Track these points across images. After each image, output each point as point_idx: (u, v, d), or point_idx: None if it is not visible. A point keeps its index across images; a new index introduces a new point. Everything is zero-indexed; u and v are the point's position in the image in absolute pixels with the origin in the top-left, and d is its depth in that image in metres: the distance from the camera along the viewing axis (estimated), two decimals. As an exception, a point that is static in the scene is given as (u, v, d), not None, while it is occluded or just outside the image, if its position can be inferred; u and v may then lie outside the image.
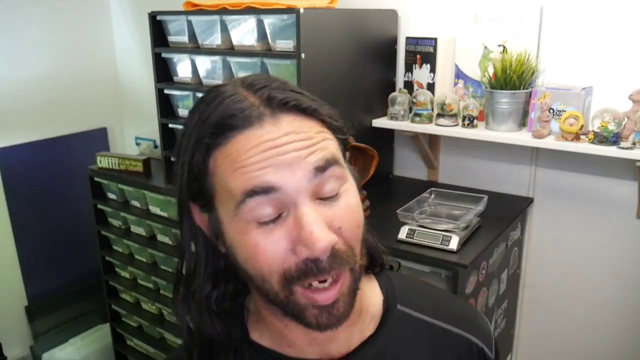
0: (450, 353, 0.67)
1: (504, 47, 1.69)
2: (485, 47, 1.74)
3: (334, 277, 0.53)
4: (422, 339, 0.67)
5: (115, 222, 2.32)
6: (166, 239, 2.14)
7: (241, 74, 1.74)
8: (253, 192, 0.50)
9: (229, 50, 1.76)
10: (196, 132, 0.54)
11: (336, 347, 0.62)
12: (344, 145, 0.59)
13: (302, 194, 0.51)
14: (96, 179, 2.27)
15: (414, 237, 1.48)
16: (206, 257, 0.60)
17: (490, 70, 1.69)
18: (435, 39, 1.79)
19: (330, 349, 0.62)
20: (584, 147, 1.49)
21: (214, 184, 0.54)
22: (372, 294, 0.68)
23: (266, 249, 0.52)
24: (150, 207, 2.12)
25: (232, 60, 1.76)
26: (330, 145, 0.54)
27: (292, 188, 0.51)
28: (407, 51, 1.88)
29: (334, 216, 0.53)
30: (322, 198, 0.53)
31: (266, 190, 0.50)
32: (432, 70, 1.82)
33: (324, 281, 0.53)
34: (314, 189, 0.52)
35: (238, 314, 0.65)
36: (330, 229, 0.52)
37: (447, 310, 0.71)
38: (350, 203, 0.55)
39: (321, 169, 0.52)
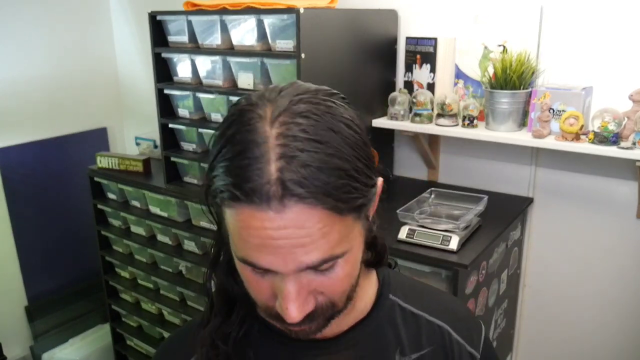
0: (431, 342, 0.72)
1: (504, 47, 1.69)
2: (485, 47, 1.74)
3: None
4: (407, 326, 0.72)
5: (115, 222, 2.32)
6: (166, 239, 2.14)
7: (241, 74, 1.75)
8: (249, 264, 0.55)
9: (229, 50, 1.76)
10: (216, 169, 0.54)
11: (329, 328, 0.65)
12: (369, 200, 0.57)
13: (289, 273, 0.54)
14: (96, 179, 2.28)
15: (414, 237, 1.48)
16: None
17: (490, 70, 1.69)
18: (435, 39, 1.79)
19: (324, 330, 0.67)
20: (584, 147, 1.49)
21: (224, 216, 0.56)
22: (368, 285, 0.73)
23: (255, 288, 0.58)
24: (150, 207, 2.12)
25: (232, 60, 1.76)
26: (330, 238, 0.53)
27: (280, 271, 0.54)
28: (407, 51, 1.88)
29: (320, 284, 0.56)
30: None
31: (259, 268, 0.55)
32: (432, 70, 1.82)
33: None
34: (304, 270, 0.55)
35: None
36: (311, 294, 0.56)
37: (435, 304, 0.76)
38: (339, 275, 0.57)
39: (313, 266, 0.54)
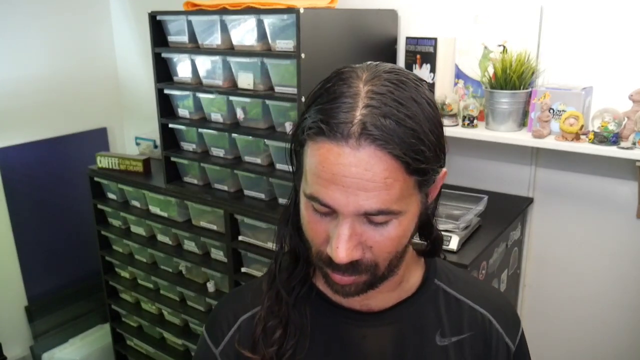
0: (471, 327, 0.77)
1: (504, 47, 1.69)
2: (485, 47, 1.74)
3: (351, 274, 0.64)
4: (450, 310, 0.77)
5: (115, 222, 2.32)
6: (166, 239, 2.14)
7: (241, 74, 1.75)
8: (315, 199, 0.62)
9: (229, 50, 1.76)
10: (309, 112, 0.63)
11: (375, 303, 0.74)
12: (432, 177, 0.64)
13: (348, 214, 0.60)
14: (96, 179, 2.28)
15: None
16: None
17: (490, 70, 1.69)
18: (435, 39, 1.79)
19: (369, 304, 0.75)
20: (584, 147, 1.49)
21: (304, 156, 0.64)
22: (415, 269, 0.79)
23: (313, 229, 0.65)
24: (150, 207, 2.12)
25: (232, 60, 1.76)
26: (392, 192, 0.59)
27: (341, 210, 0.60)
28: (407, 51, 1.88)
29: (370, 238, 0.62)
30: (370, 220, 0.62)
31: (323, 204, 0.61)
32: (432, 70, 1.82)
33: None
34: (362, 214, 0.61)
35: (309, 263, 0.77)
36: (360, 245, 0.62)
37: (478, 292, 0.81)
38: (391, 234, 0.62)
39: (371, 213, 0.60)
